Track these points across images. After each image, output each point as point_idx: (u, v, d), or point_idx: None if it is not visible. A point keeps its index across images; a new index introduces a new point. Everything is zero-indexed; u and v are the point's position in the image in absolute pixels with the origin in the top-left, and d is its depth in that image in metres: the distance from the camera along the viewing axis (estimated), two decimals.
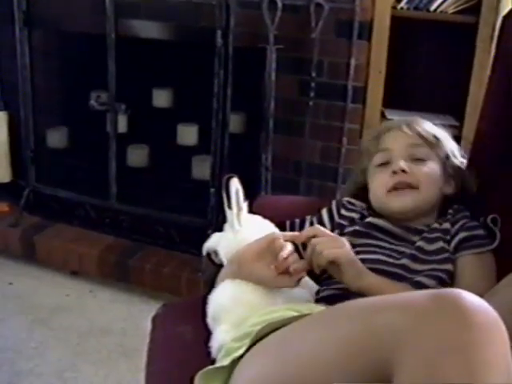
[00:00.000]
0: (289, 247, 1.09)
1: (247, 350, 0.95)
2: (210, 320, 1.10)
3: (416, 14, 2.21)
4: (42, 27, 2.67)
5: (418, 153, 1.26)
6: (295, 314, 0.99)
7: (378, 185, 1.29)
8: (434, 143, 1.27)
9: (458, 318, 0.74)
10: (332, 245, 1.09)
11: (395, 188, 1.25)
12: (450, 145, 1.30)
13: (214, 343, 1.04)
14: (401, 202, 1.24)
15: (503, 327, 0.75)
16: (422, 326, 0.75)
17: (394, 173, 1.25)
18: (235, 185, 1.16)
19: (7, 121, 2.81)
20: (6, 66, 2.77)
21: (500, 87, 1.36)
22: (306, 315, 0.97)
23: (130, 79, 2.51)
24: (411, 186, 1.23)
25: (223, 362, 0.97)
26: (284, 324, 0.95)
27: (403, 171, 1.24)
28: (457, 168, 1.29)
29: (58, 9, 2.59)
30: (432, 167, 1.25)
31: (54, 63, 2.82)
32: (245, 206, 1.20)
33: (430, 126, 1.30)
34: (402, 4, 2.21)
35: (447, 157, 1.28)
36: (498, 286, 0.98)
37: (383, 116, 2.29)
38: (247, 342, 0.91)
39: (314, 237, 1.10)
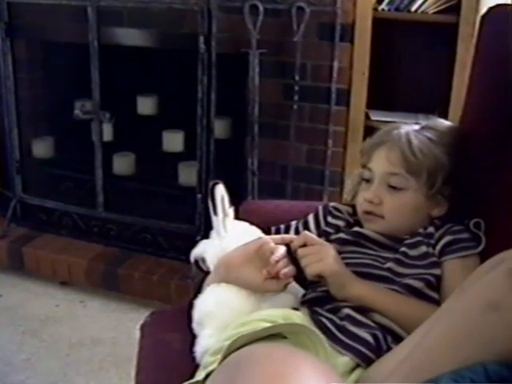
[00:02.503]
0: (281, 250, 1.09)
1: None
2: (195, 325, 1.10)
3: (397, 15, 2.22)
4: (25, 37, 2.67)
5: (394, 182, 1.24)
6: (268, 325, 0.99)
7: (358, 203, 1.30)
8: (417, 172, 1.22)
9: None
10: (316, 257, 1.10)
11: (367, 213, 1.27)
12: (442, 170, 1.23)
13: (199, 348, 1.04)
14: (370, 227, 1.26)
15: None
16: None
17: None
18: (220, 191, 1.16)
19: None
20: None
21: (481, 85, 1.37)
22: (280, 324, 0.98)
23: (114, 87, 2.51)
24: (378, 216, 1.25)
25: (199, 376, 0.97)
26: (255, 337, 0.94)
27: (371, 201, 1.25)
28: (450, 191, 1.25)
29: (40, 19, 2.59)
30: (407, 198, 1.23)
31: (38, 73, 2.81)
32: (230, 212, 1.20)
33: (422, 148, 1.23)
34: (383, 5, 2.22)
35: (432, 185, 1.23)
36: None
37: (367, 117, 2.30)
38: (219, 356, 0.91)
39: (303, 245, 1.11)
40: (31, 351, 2.16)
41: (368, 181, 1.29)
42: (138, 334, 1.36)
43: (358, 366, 1.00)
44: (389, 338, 1.04)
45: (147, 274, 2.43)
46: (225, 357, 0.87)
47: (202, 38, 2.22)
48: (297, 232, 1.36)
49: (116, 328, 2.30)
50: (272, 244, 1.09)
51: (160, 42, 2.52)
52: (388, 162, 1.25)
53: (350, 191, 1.38)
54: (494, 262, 0.86)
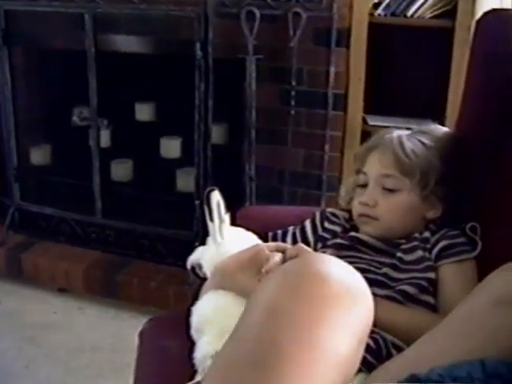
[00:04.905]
0: (276, 258, 1.09)
1: None
2: (193, 331, 1.10)
3: (393, 19, 2.23)
4: (22, 45, 2.68)
5: (388, 184, 1.26)
6: None
7: (354, 206, 1.32)
8: (410, 173, 1.24)
9: None
10: None
11: (362, 215, 1.28)
12: (435, 170, 1.24)
13: (198, 354, 1.04)
14: (366, 230, 1.28)
15: None
16: None
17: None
18: (216, 197, 1.16)
19: None
20: None
21: (476, 89, 1.38)
22: None
23: (111, 94, 2.52)
24: (373, 218, 1.26)
25: (198, 377, 0.97)
26: None
27: (366, 204, 1.27)
28: (444, 193, 1.25)
29: (37, 26, 2.59)
30: (401, 199, 1.25)
31: (35, 80, 2.81)
32: (227, 218, 1.20)
33: (414, 149, 1.25)
34: (379, 11, 2.23)
35: (426, 185, 1.24)
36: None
37: (365, 122, 2.30)
38: None
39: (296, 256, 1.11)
40: (30, 358, 2.16)
41: (363, 186, 1.30)
42: (136, 340, 1.36)
43: (360, 370, 1.01)
44: (389, 343, 1.05)
45: (145, 281, 2.44)
46: None
47: (198, 44, 2.23)
48: (294, 238, 1.37)
49: (114, 335, 2.30)
50: (267, 252, 1.09)
51: (157, 48, 2.53)
52: (381, 164, 1.27)
53: (344, 197, 1.40)
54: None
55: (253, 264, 1.09)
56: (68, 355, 2.18)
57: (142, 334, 1.35)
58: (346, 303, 0.76)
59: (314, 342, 0.73)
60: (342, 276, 0.78)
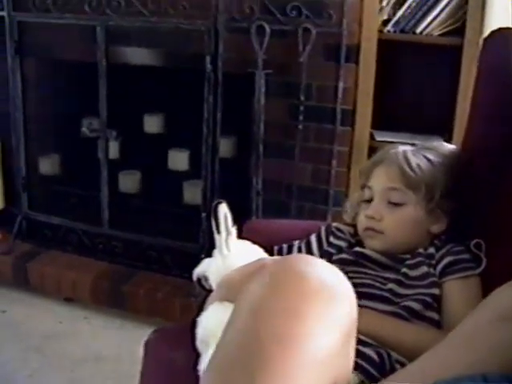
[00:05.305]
0: None
1: None
2: (198, 343, 1.10)
3: (402, 36, 2.24)
4: (34, 56, 2.70)
5: (394, 197, 1.27)
6: None
7: (359, 221, 1.33)
8: (415, 186, 1.25)
9: None
10: None
11: (368, 229, 1.29)
12: (440, 184, 1.25)
13: (203, 367, 1.05)
14: (371, 244, 1.29)
15: None
16: None
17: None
18: (223, 210, 1.17)
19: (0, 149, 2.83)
20: None
21: (483, 106, 1.39)
22: None
23: (121, 106, 2.54)
24: (378, 231, 1.27)
25: None
26: None
27: (372, 217, 1.28)
28: (449, 207, 1.27)
29: (49, 37, 2.62)
30: (407, 212, 1.26)
31: (46, 91, 2.83)
32: (233, 231, 1.21)
33: (419, 163, 1.27)
34: (389, 27, 2.24)
35: (431, 198, 1.25)
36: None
37: (372, 138, 2.31)
38: None
39: None
40: (35, 367, 2.16)
41: (368, 201, 1.31)
42: (141, 351, 1.36)
43: (362, 382, 1.01)
44: (393, 356, 1.05)
45: (152, 292, 2.44)
46: None
47: (208, 58, 2.24)
48: (299, 252, 1.38)
49: (120, 345, 2.30)
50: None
51: (167, 61, 2.55)
52: (387, 178, 1.29)
53: (349, 212, 1.41)
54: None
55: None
56: (73, 365, 2.18)
57: (147, 345, 1.36)
58: (324, 299, 0.77)
59: (295, 339, 0.74)
60: (321, 274, 0.80)
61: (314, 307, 0.76)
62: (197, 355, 1.10)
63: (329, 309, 0.77)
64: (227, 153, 2.57)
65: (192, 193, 2.64)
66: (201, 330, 1.10)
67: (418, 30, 2.21)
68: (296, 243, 1.40)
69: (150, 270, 2.57)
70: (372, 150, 2.19)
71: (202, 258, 1.28)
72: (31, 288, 2.63)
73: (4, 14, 2.54)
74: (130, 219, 2.69)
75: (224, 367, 0.76)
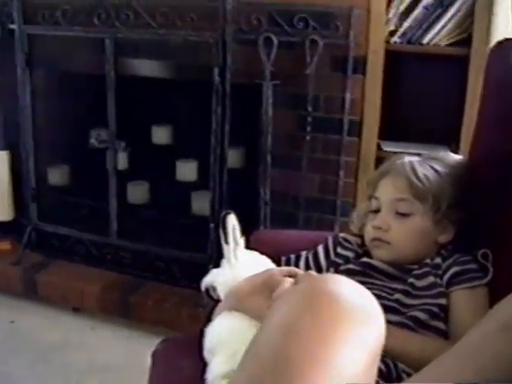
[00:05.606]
0: (288, 283, 1.10)
1: None
2: (206, 353, 1.11)
3: (409, 47, 2.25)
4: (43, 67, 2.72)
5: (401, 208, 1.28)
6: None
7: (366, 231, 1.34)
8: (422, 197, 1.26)
9: None
10: None
11: (375, 239, 1.30)
12: (447, 194, 1.26)
13: (209, 375, 1.05)
14: (378, 254, 1.30)
15: None
16: None
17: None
18: (232, 221, 1.18)
19: (9, 160, 2.84)
20: (7, 106, 2.82)
21: (490, 116, 1.39)
22: None
23: (129, 117, 2.55)
24: (385, 242, 1.28)
25: None
26: None
27: (379, 228, 1.29)
28: (457, 217, 1.27)
29: (59, 49, 2.64)
30: (414, 223, 1.27)
31: (55, 102, 2.86)
32: (241, 241, 1.21)
33: (426, 174, 1.28)
34: (396, 38, 2.25)
35: (438, 209, 1.26)
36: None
37: (379, 148, 2.31)
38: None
39: None
40: (42, 377, 2.17)
41: (375, 211, 1.32)
42: (148, 361, 1.36)
43: None
44: (399, 366, 1.06)
45: (159, 302, 2.45)
46: None
47: (216, 70, 2.26)
48: (307, 262, 1.39)
49: (127, 355, 2.30)
50: (279, 276, 1.11)
51: (175, 73, 2.56)
52: (394, 188, 1.30)
53: (356, 223, 1.41)
54: None
55: (265, 288, 1.10)
56: (80, 375, 2.19)
57: (154, 355, 1.36)
58: (356, 322, 0.78)
59: (326, 358, 0.75)
60: (352, 295, 0.81)
61: (344, 329, 0.77)
62: (204, 365, 1.10)
63: (358, 330, 0.78)
64: (235, 163, 2.58)
65: (200, 203, 2.65)
66: (208, 340, 1.11)
67: (425, 41, 2.22)
68: (303, 254, 1.40)
69: (157, 280, 2.57)
70: (379, 161, 2.19)
71: (209, 269, 1.29)
72: (39, 298, 2.64)
73: (15, 26, 2.57)
74: (138, 230, 2.70)
75: (252, 380, 0.77)
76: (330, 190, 2.39)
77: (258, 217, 2.40)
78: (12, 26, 2.59)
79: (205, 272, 1.29)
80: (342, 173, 2.35)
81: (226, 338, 1.08)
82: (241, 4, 2.25)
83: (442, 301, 1.16)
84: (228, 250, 1.20)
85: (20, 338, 2.41)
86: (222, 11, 2.22)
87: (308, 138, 2.33)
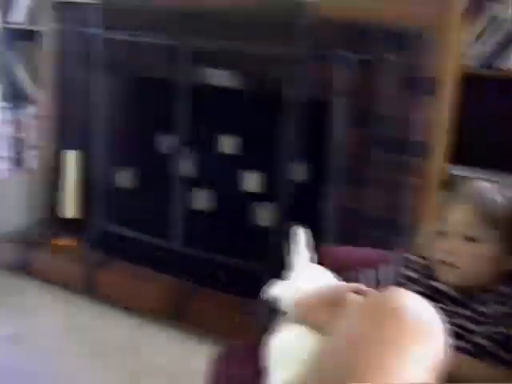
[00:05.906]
0: (355, 300, 1.10)
1: None
2: (268, 363, 1.11)
3: (484, 71, 2.22)
4: (118, 72, 2.79)
5: (470, 233, 1.27)
6: None
7: (433, 253, 1.33)
8: (492, 224, 1.25)
9: None
10: None
11: (443, 262, 1.29)
12: None
13: None
14: (445, 277, 1.29)
15: None
16: None
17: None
18: (300, 234, 1.19)
19: (79, 160, 2.92)
20: (81, 108, 2.89)
21: None
22: None
23: (197, 124, 2.59)
24: (453, 265, 1.27)
25: None
26: None
27: (448, 251, 1.28)
28: None
29: (134, 55, 2.71)
30: (482, 249, 1.26)
31: (126, 106, 2.92)
32: (308, 255, 1.22)
33: (497, 201, 1.28)
34: (470, 61, 2.22)
35: (508, 237, 1.25)
36: None
37: (447, 171, 2.28)
38: None
39: None
40: (94, 374, 2.20)
41: (444, 233, 1.31)
42: (199, 366, 1.38)
43: None
44: None
45: (216, 309, 2.46)
46: None
47: (288, 84, 2.27)
48: (370, 280, 1.38)
49: (178, 360, 2.32)
50: (347, 293, 1.11)
51: (247, 84, 2.59)
52: (464, 213, 1.29)
53: (422, 244, 1.41)
54: None
55: (333, 303, 1.11)
56: (130, 376, 2.21)
57: (213, 362, 1.38)
58: (419, 334, 0.80)
59: (387, 369, 0.77)
60: (418, 310, 0.84)
61: (408, 341, 0.80)
62: (264, 374, 1.11)
63: (422, 343, 0.80)
64: (300, 177, 2.58)
65: (263, 214, 2.67)
66: (272, 350, 1.11)
67: (501, 65, 2.19)
68: (369, 271, 1.40)
69: (215, 288, 2.59)
70: (447, 184, 2.17)
71: (267, 280, 1.30)
72: (99, 296, 2.70)
73: (94, 31, 2.65)
74: (201, 237, 2.73)
75: None
76: (396, 209, 2.37)
77: (321, 232, 2.39)
78: (91, 31, 2.67)
79: (262, 282, 1.30)
80: (408, 193, 2.33)
81: (288, 350, 1.09)
82: (317, 20, 2.26)
83: (507, 330, 1.14)
84: (294, 262, 1.21)
85: (76, 334, 2.46)
86: (298, 26, 2.24)
87: (375, 156, 2.32)
